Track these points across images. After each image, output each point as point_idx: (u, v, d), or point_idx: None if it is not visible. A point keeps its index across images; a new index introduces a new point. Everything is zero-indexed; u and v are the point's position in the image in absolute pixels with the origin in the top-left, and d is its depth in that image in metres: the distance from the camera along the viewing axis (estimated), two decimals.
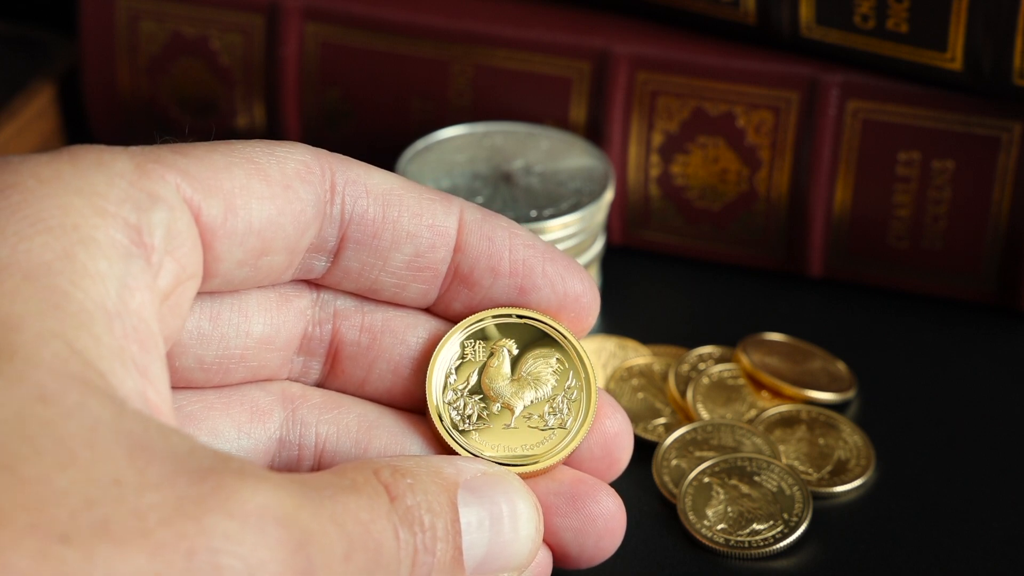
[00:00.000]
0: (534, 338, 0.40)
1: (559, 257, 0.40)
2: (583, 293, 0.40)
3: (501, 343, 0.40)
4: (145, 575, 0.28)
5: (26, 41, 0.62)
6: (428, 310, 0.41)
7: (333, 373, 0.40)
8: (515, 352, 0.40)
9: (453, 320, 0.41)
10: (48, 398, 0.30)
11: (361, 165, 0.39)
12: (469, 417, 0.40)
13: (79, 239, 0.32)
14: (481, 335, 0.40)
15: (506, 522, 0.37)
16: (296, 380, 0.40)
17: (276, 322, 0.39)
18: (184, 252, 0.35)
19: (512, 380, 0.40)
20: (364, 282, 0.39)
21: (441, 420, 0.40)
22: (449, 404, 0.40)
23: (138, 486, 0.29)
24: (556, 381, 0.40)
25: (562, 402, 0.40)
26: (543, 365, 0.41)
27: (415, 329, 0.40)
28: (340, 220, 0.38)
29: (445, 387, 0.40)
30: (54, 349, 0.30)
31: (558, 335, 0.40)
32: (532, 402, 0.40)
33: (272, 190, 0.37)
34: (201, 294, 0.37)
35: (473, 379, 0.40)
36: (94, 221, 0.33)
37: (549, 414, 0.40)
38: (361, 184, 0.38)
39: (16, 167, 0.33)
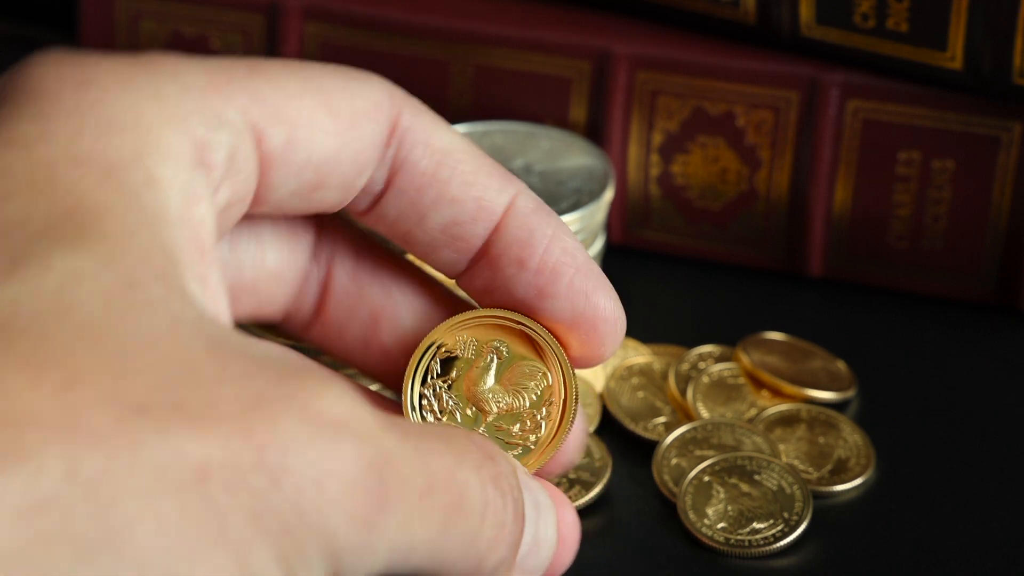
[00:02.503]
0: (528, 349, 0.39)
1: (594, 276, 0.39)
2: (603, 319, 0.39)
3: (492, 343, 0.40)
4: (213, 460, 0.28)
5: (26, 41, 0.62)
6: (456, 280, 0.40)
7: (319, 318, 0.40)
8: (504, 357, 0.40)
9: (472, 294, 0.40)
10: (136, 285, 0.30)
11: (432, 116, 0.38)
12: (442, 412, 0.39)
13: (148, 144, 0.32)
14: (477, 332, 0.40)
15: (542, 521, 0.37)
16: (289, 319, 0.40)
17: (287, 256, 0.39)
18: (241, 178, 0.34)
19: (492, 386, 0.40)
20: (397, 231, 0.39)
21: (412, 410, 0.39)
22: (424, 396, 0.39)
23: (216, 378, 0.29)
24: (536, 398, 0.39)
25: (537, 419, 0.39)
26: (528, 379, 0.40)
27: (408, 304, 0.40)
28: (391, 165, 0.38)
29: (426, 377, 0.39)
30: (140, 241, 0.30)
31: (552, 352, 0.39)
32: (506, 413, 0.39)
33: (338, 126, 0.36)
34: None
35: (454, 375, 0.40)
36: (163, 129, 0.33)
37: (519, 429, 0.40)
38: (423, 135, 0.38)
39: (96, 64, 0.33)
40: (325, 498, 0.29)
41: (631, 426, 0.47)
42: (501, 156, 0.51)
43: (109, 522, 0.27)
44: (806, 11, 0.51)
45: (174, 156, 0.33)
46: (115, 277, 0.29)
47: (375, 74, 0.38)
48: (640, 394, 0.48)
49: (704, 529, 0.43)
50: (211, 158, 0.34)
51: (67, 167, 0.31)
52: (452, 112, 0.54)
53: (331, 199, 0.37)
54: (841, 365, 0.50)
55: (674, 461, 0.46)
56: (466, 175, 0.38)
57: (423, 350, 0.39)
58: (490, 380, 0.39)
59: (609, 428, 0.47)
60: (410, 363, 0.39)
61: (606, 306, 0.39)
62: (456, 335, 0.40)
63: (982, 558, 0.43)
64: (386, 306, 0.40)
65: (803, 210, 0.53)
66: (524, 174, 0.51)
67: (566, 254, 0.39)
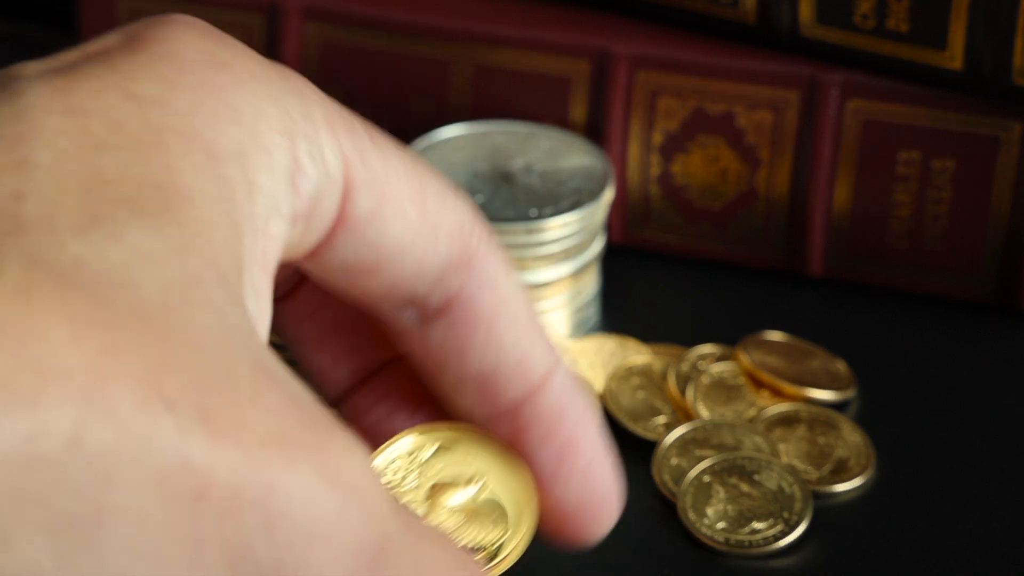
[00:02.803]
0: (509, 498, 0.38)
1: (608, 462, 0.38)
2: (606, 511, 0.38)
3: (483, 471, 0.39)
4: (217, 481, 0.27)
5: (26, 41, 0.62)
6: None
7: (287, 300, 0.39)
8: (483, 492, 0.38)
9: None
10: (199, 283, 0.28)
11: (503, 257, 0.37)
12: (398, 485, 0.38)
13: (257, 145, 0.31)
14: (478, 448, 0.39)
15: None
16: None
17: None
18: (313, 223, 0.33)
19: (456, 505, 0.39)
20: (434, 358, 0.38)
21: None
22: (395, 461, 0.39)
23: (250, 400, 0.28)
24: (484, 540, 0.38)
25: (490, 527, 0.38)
26: (489, 524, 0.38)
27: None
28: (451, 293, 0.36)
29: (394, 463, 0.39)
30: (217, 239, 0.29)
31: (526, 519, 0.38)
32: (457, 506, 0.38)
33: (422, 224, 0.35)
34: None
35: (435, 465, 0.38)
36: (274, 138, 0.32)
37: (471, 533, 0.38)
38: (493, 275, 0.37)
39: (235, 49, 0.33)
40: (311, 560, 0.28)
41: (631, 426, 0.47)
42: (501, 156, 0.51)
43: (92, 505, 0.26)
44: (806, 11, 0.51)
45: (276, 168, 0.32)
46: (182, 270, 0.28)
47: (465, 195, 0.37)
48: (640, 394, 0.48)
49: (704, 529, 0.43)
50: (302, 186, 0.32)
51: (175, 139, 0.30)
52: (452, 112, 0.54)
53: (375, 289, 0.36)
54: (841, 365, 0.50)
55: (674, 461, 0.46)
56: (519, 330, 0.37)
57: (429, 430, 0.39)
58: (457, 499, 0.39)
59: (609, 428, 0.47)
60: (410, 429, 0.39)
61: (612, 499, 0.38)
62: (463, 437, 0.39)
63: (982, 558, 0.43)
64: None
65: (803, 210, 0.53)
66: (524, 174, 0.51)
67: (590, 440, 0.38)
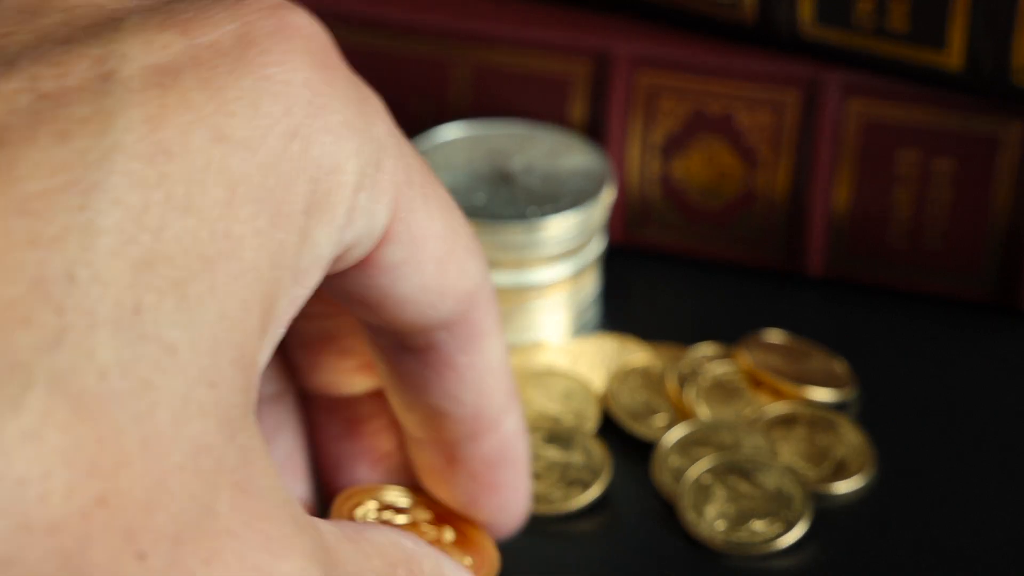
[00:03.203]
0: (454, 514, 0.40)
1: (528, 489, 0.40)
2: (512, 528, 0.41)
3: (445, 531, 0.40)
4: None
5: None
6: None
7: None
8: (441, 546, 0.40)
9: (413, 460, 0.40)
10: (215, 387, 0.28)
11: (495, 319, 0.38)
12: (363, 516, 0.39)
13: (325, 203, 0.31)
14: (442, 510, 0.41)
15: None
16: None
17: None
18: (336, 264, 0.33)
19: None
20: (401, 381, 0.38)
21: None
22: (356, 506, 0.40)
23: (223, 534, 0.28)
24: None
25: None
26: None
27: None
28: (437, 342, 0.37)
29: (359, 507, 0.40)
30: (250, 324, 0.29)
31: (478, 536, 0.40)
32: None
33: (439, 275, 0.35)
34: None
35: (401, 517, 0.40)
36: (346, 193, 0.32)
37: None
38: (481, 336, 0.37)
39: (335, 84, 0.32)
40: None
41: (631, 426, 0.47)
42: (501, 156, 0.51)
43: None
44: (806, 11, 0.51)
45: (334, 221, 0.32)
46: (204, 372, 0.28)
47: (482, 256, 0.37)
48: (640, 394, 0.48)
49: (704, 529, 0.43)
50: (347, 235, 0.32)
51: (244, 201, 0.29)
52: (452, 112, 0.54)
53: (365, 317, 0.36)
54: (841, 365, 0.50)
55: (674, 461, 0.46)
56: (484, 389, 0.38)
57: (393, 489, 0.40)
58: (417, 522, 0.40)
59: (609, 428, 0.47)
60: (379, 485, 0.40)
61: (516, 525, 0.40)
62: (424, 499, 0.40)
63: (982, 558, 0.43)
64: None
65: (803, 210, 0.53)
66: (524, 174, 0.51)
67: (517, 480, 0.39)
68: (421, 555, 0.35)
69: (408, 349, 0.37)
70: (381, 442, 0.41)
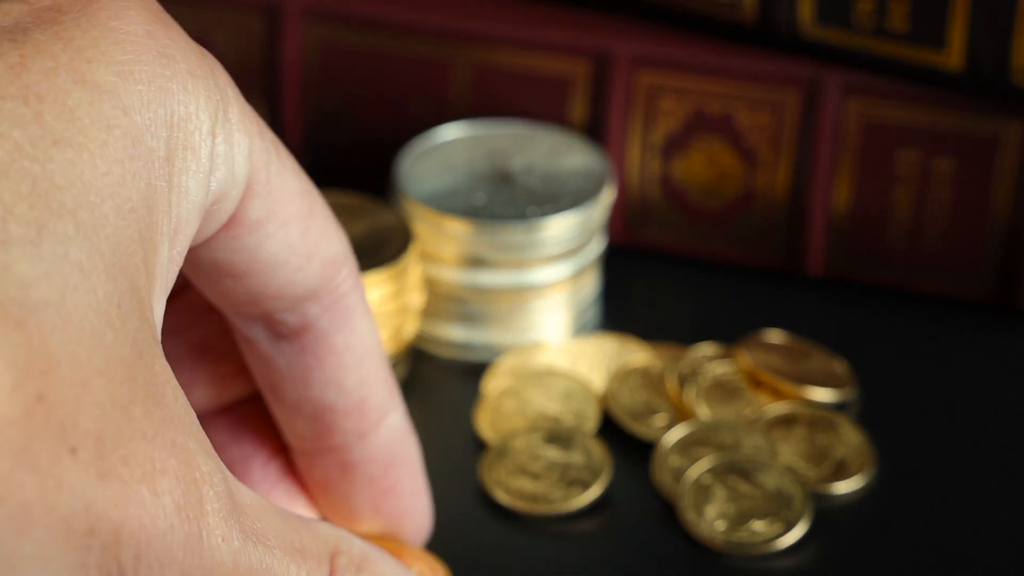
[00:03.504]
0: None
1: (425, 495, 0.40)
2: (417, 537, 0.41)
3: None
4: (107, 512, 0.29)
5: None
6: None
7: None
8: None
9: (305, 476, 0.40)
10: (122, 305, 0.30)
11: (367, 303, 0.38)
12: None
13: (188, 150, 0.32)
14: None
15: None
16: None
17: None
18: (207, 221, 0.34)
19: None
20: (276, 376, 0.38)
21: None
22: None
23: (138, 436, 0.29)
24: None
25: None
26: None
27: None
28: (308, 320, 0.37)
29: None
30: (137, 258, 0.31)
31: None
32: None
33: (300, 247, 0.36)
34: None
35: None
36: (207, 140, 0.33)
37: None
38: (354, 316, 0.37)
39: (176, 38, 0.33)
40: None
41: (631, 426, 0.47)
42: (501, 156, 0.51)
43: (6, 553, 0.27)
44: (806, 11, 0.51)
45: (200, 170, 0.33)
46: (110, 294, 0.30)
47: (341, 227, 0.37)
48: (640, 394, 0.48)
49: (704, 529, 0.43)
50: (212, 184, 0.33)
51: (121, 142, 0.31)
52: (452, 112, 0.54)
53: (236, 294, 0.37)
54: (841, 365, 0.50)
55: (674, 461, 0.46)
56: (364, 372, 0.38)
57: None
58: None
59: (609, 428, 0.47)
60: None
61: (422, 533, 0.41)
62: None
63: (982, 558, 0.43)
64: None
65: (803, 210, 0.53)
66: (524, 174, 0.51)
67: (413, 482, 0.40)
68: (376, 558, 0.35)
69: (283, 337, 0.38)
70: (267, 444, 0.41)
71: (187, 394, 0.40)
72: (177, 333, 0.40)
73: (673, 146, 0.53)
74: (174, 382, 0.31)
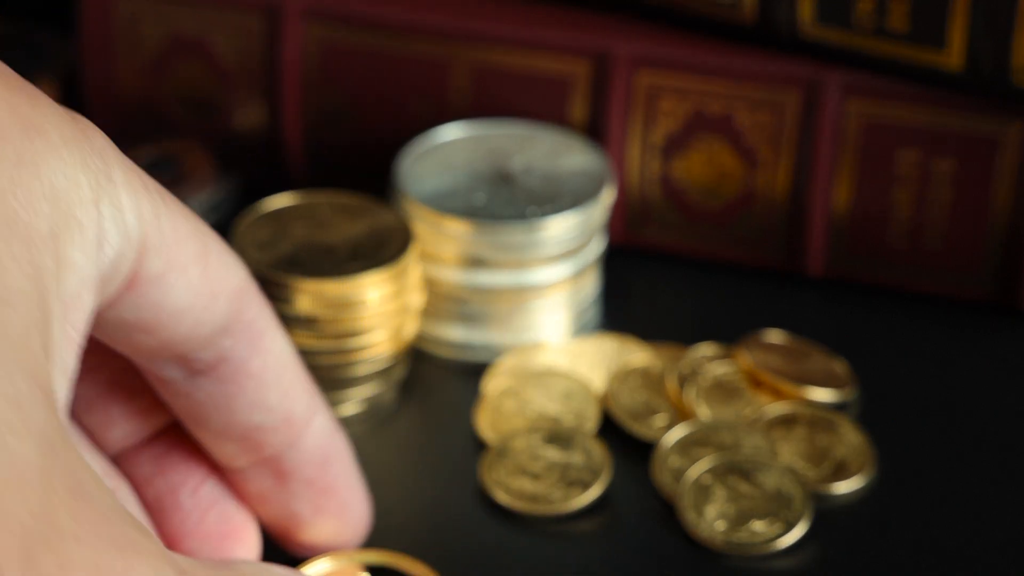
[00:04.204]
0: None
1: (361, 488, 0.41)
2: (359, 532, 0.41)
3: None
4: None
5: (26, 41, 0.62)
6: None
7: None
8: None
9: (242, 493, 0.40)
10: (21, 406, 0.29)
11: (271, 314, 0.38)
12: None
13: (70, 220, 0.31)
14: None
15: None
16: None
17: None
18: (106, 286, 0.34)
19: None
20: (196, 410, 0.38)
21: None
22: None
23: (69, 538, 0.28)
24: None
25: None
26: None
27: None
28: (221, 352, 0.37)
29: None
30: (34, 342, 0.30)
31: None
32: None
33: (202, 288, 0.35)
34: None
35: None
36: (85, 208, 0.32)
37: None
38: (262, 335, 0.37)
39: (43, 107, 0.32)
40: None
41: (631, 426, 0.47)
42: (501, 156, 0.51)
43: None
44: (806, 11, 0.51)
45: (87, 241, 0.32)
46: (7, 394, 0.28)
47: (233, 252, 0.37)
48: (640, 394, 0.48)
49: (704, 529, 0.43)
50: (106, 252, 0.33)
51: (7, 216, 0.30)
52: (452, 112, 0.54)
53: (147, 345, 0.36)
54: (841, 365, 0.50)
55: (674, 461, 0.46)
56: (285, 386, 0.38)
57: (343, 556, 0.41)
58: None
59: (609, 428, 0.47)
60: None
61: (362, 527, 0.41)
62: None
63: (982, 558, 0.43)
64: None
65: (803, 210, 0.53)
66: (524, 174, 0.51)
67: (349, 477, 0.40)
68: None
69: (200, 373, 0.37)
70: (195, 470, 0.40)
71: (105, 433, 0.40)
72: (85, 375, 0.39)
73: (673, 146, 0.53)
74: (90, 470, 0.30)
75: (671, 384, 0.48)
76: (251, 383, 0.37)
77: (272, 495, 0.40)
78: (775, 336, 0.50)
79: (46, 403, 0.29)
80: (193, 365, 0.37)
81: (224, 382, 0.37)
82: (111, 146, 0.34)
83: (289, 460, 0.39)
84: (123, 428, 0.40)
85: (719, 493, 0.44)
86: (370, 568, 0.42)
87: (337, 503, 0.40)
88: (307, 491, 0.39)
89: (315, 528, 0.40)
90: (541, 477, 0.45)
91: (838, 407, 0.48)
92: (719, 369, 0.49)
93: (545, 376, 0.49)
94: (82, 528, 0.28)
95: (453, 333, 0.50)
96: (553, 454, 0.46)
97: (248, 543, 0.40)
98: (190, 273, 0.35)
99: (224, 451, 0.39)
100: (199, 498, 0.40)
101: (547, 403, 0.48)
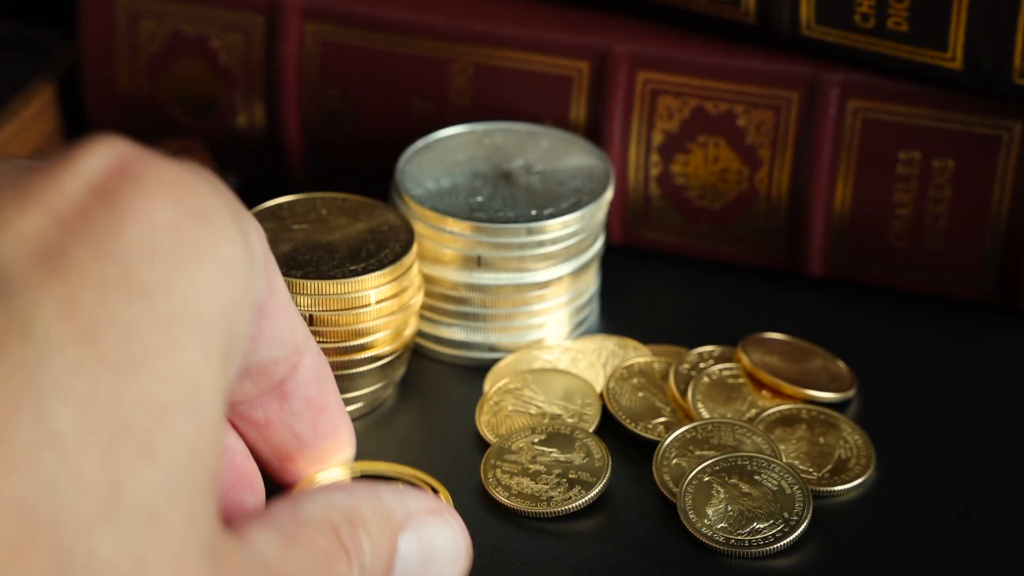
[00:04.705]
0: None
1: (346, 415, 0.42)
2: (347, 456, 0.43)
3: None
4: None
5: (26, 41, 0.62)
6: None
7: None
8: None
9: (246, 423, 0.42)
10: (196, 522, 0.31)
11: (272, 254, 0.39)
12: None
13: (244, 303, 0.33)
14: None
15: (438, 558, 0.38)
16: None
17: None
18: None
19: None
20: None
21: None
22: None
23: None
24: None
25: None
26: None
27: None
28: (263, 309, 0.38)
29: None
30: (209, 461, 0.31)
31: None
32: None
33: (260, 259, 0.37)
34: None
35: None
36: (253, 274, 0.34)
37: None
38: (275, 281, 0.38)
39: (197, 186, 0.33)
40: None
41: (631, 426, 0.47)
42: (501, 156, 0.51)
43: None
44: (806, 11, 0.51)
45: (252, 303, 0.34)
46: (181, 527, 0.30)
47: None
48: (640, 394, 0.48)
49: (704, 529, 0.43)
50: (256, 302, 0.35)
51: (184, 329, 0.31)
52: (452, 112, 0.54)
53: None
54: (841, 365, 0.50)
55: (674, 461, 0.46)
56: (291, 317, 0.39)
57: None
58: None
59: (609, 428, 0.47)
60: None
61: (351, 445, 0.43)
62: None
63: (982, 558, 0.43)
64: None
65: (803, 210, 0.53)
66: (524, 174, 0.51)
67: (337, 395, 0.42)
68: (358, 503, 0.36)
69: None
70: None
71: None
72: None
73: (673, 146, 0.53)
74: (231, 547, 0.32)
75: (671, 384, 0.48)
76: (270, 322, 0.38)
77: (276, 419, 0.41)
78: (775, 336, 0.50)
79: (215, 501, 0.31)
80: None
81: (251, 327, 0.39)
82: (232, 195, 0.34)
83: (291, 382, 0.40)
84: None
85: (719, 493, 0.44)
86: (372, 477, 0.43)
87: (332, 421, 0.42)
88: (306, 411, 0.41)
89: (314, 448, 0.42)
90: (541, 477, 0.45)
91: (838, 407, 0.48)
92: (719, 369, 0.49)
93: (545, 376, 0.49)
94: None
95: (453, 333, 0.50)
96: (553, 454, 0.46)
97: (256, 490, 0.42)
98: (283, 327, 0.37)
99: (239, 389, 0.40)
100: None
101: (547, 403, 0.48)
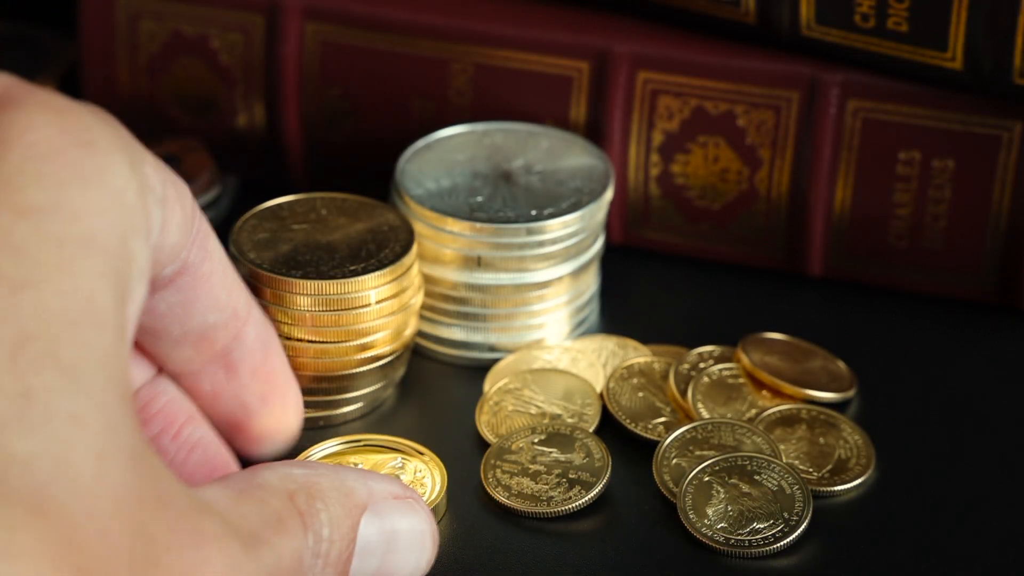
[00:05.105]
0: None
1: (295, 383, 0.43)
2: (295, 426, 0.44)
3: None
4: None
5: (26, 41, 0.62)
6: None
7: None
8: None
9: (196, 394, 0.43)
10: (114, 434, 0.31)
11: (206, 220, 0.40)
12: None
13: (134, 225, 0.33)
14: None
15: (402, 544, 0.38)
16: None
17: None
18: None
19: None
20: (157, 324, 0.40)
21: None
22: None
23: (163, 545, 0.31)
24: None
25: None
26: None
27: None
28: (183, 263, 0.39)
29: None
30: (118, 367, 0.32)
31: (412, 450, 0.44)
32: None
33: (183, 218, 0.37)
34: None
35: None
36: (145, 207, 0.34)
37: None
38: (206, 238, 0.39)
39: (86, 119, 0.34)
40: None
41: (631, 426, 0.47)
42: (501, 156, 0.51)
43: None
44: (806, 11, 0.51)
45: (146, 233, 0.34)
46: (100, 428, 0.30)
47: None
48: (640, 394, 0.48)
49: (704, 529, 0.43)
50: (152, 238, 0.35)
51: (75, 253, 0.31)
52: (452, 112, 0.54)
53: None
54: (841, 365, 0.50)
55: (674, 461, 0.46)
56: (229, 283, 0.40)
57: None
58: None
59: (609, 428, 0.47)
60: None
61: (300, 414, 0.44)
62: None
63: (982, 558, 0.43)
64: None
65: (803, 210, 0.53)
66: (524, 174, 0.51)
67: (284, 363, 0.43)
68: (317, 477, 0.37)
69: (162, 287, 0.39)
70: (172, 417, 0.42)
71: None
72: None
73: (673, 146, 0.53)
74: (163, 466, 0.32)
75: (671, 384, 0.48)
76: (204, 286, 0.39)
77: (223, 389, 0.42)
78: (775, 336, 0.50)
79: (132, 414, 0.31)
80: (159, 282, 0.39)
81: (183, 291, 0.39)
82: (125, 129, 0.35)
83: (236, 352, 0.41)
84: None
85: (719, 493, 0.44)
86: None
87: (278, 389, 0.42)
88: (253, 380, 0.42)
89: (262, 416, 0.42)
90: (541, 477, 0.45)
91: (838, 407, 0.48)
92: (719, 369, 0.49)
93: (545, 376, 0.49)
94: (173, 535, 0.31)
95: (453, 333, 0.50)
96: (553, 454, 0.46)
97: None
98: (178, 213, 0.37)
99: (181, 356, 0.41)
100: (181, 442, 0.42)
101: (547, 403, 0.48)
